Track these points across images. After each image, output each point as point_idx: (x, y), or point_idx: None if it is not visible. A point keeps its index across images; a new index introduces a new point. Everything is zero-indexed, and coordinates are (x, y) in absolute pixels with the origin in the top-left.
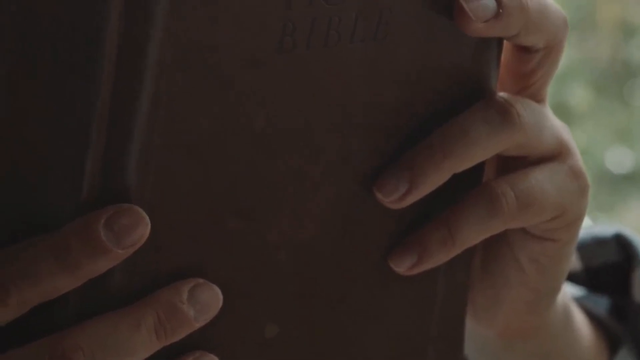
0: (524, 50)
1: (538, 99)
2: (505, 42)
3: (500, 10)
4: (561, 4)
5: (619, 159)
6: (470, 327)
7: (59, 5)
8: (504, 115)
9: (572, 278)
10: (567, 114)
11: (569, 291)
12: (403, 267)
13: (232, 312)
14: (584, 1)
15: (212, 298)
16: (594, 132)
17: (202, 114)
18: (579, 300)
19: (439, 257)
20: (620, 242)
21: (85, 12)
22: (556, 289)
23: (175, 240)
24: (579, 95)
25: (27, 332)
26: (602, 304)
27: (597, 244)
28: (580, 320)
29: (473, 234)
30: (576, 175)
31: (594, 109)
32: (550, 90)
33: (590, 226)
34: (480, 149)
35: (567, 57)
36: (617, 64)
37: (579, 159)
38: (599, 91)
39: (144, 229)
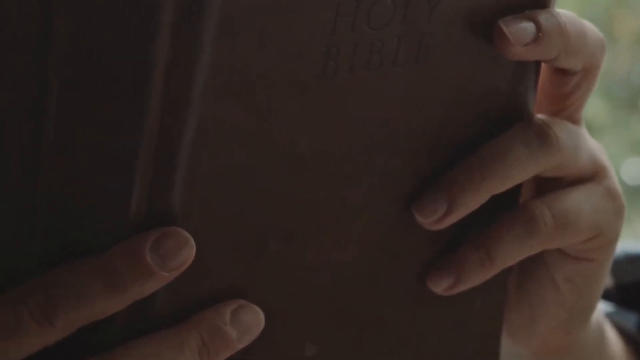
0: (562, 73)
1: (574, 120)
2: (543, 64)
3: (540, 34)
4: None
5: (635, 171)
6: (506, 346)
7: (109, 34)
8: (542, 137)
9: (604, 294)
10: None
11: (601, 307)
12: (441, 288)
13: (273, 332)
14: (601, 14)
15: (254, 319)
16: (610, 144)
17: (247, 140)
18: (609, 316)
19: (477, 278)
20: None
21: (134, 40)
22: (591, 308)
23: (219, 263)
24: (596, 108)
25: (73, 353)
26: (630, 319)
27: (629, 260)
28: (612, 337)
29: (511, 254)
30: (612, 196)
31: (610, 122)
32: None
33: (622, 243)
34: (518, 170)
35: None
36: (634, 77)
37: (615, 180)
38: (615, 104)
39: (189, 252)
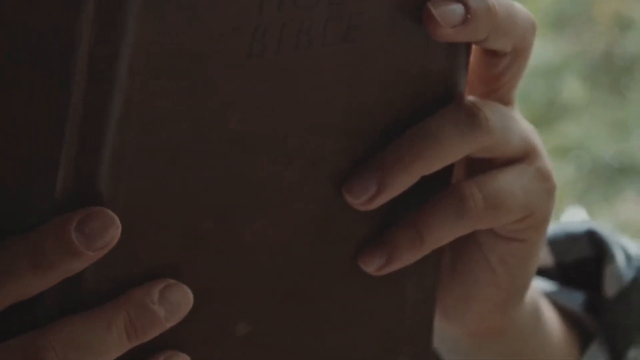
0: (492, 54)
1: (506, 101)
2: (473, 45)
3: (468, 16)
4: None
5: (614, 152)
6: (441, 327)
7: (32, 14)
8: (472, 118)
9: (544, 273)
10: (563, 108)
11: (541, 286)
12: (372, 267)
13: (204, 311)
14: None
15: (183, 298)
16: (590, 125)
17: (175, 119)
18: (551, 295)
19: (408, 258)
20: (592, 238)
21: (57, 20)
22: (524, 288)
23: (149, 242)
24: (575, 89)
25: (4, 332)
26: (577, 298)
27: (570, 240)
28: (550, 316)
29: (442, 234)
30: (543, 177)
31: (589, 103)
32: (546, 84)
33: (564, 222)
34: (448, 151)
35: (562, 50)
36: (613, 58)
37: (547, 161)
38: (595, 85)
39: (114, 232)
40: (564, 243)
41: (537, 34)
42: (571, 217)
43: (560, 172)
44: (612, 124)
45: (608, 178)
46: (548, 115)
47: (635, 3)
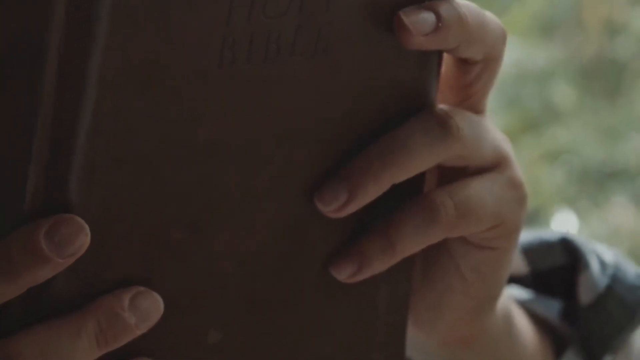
0: (463, 63)
1: (477, 110)
2: (444, 54)
3: (440, 24)
4: (547, 2)
5: (604, 157)
6: (413, 335)
7: (3, 19)
8: (443, 127)
9: (519, 281)
10: (553, 113)
11: (516, 294)
12: (344, 275)
13: (175, 319)
14: (570, 0)
15: (153, 305)
16: (580, 130)
17: (145, 128)
18: (525, 304)
19: (379, 265)
20: (566, 246)
21: (27, 28)
22: (496, 296)
23: (120, 250)
24: (565, 94)
25: None
26: (553, 306)
27: (544, 247)
28: (523, 324)
29: (412, 242)
30: (515, 185)
31: (579, 108)
32: (536, 89)
33: (537, 230)
34: (418, 160)
35: (553, 56)
36: (603, 63)
37: (518, 170)
38: (585, 89)
39: (83, 239)
40: (538, 251)
41: (527, 39)
42: (561, 222)
43: (551, 177)
44: (602, 129)
45: (598, 183)
46: (538, 120)
47: (626, 8)
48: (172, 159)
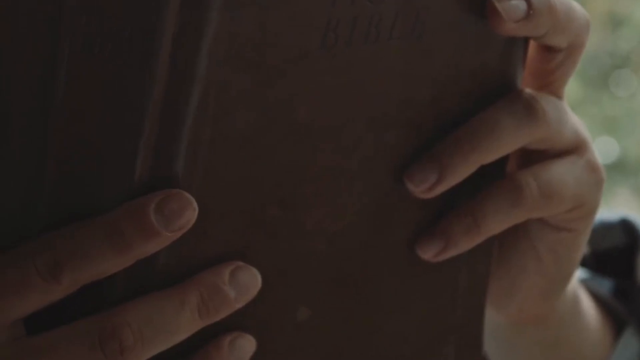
0: (547, 50)
1: (557, 96)
2: (530, 41)
3: (531, 12)
4: None
5: (605, 149)
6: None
7: (120, 2)
8: (530, 110)
9: (581, 261)
10: None
11: (576, 274)
12: (429, 254)
13: (267, 295)
14: None
15: (252, 280)
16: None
17: (249, 107)
18: (583, 282)
19: (464, 245)
20: (625, 226)
21: (145, 9)
22: (569, 277)
23: (219, 225)
24: (567, 86)
25: (76, 310)
26: (605, 285)
27: (604, 228)
28: (587, 304)
29: (497, 222)
30: (593, 168)
31: (581, 100)
32: None
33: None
34: (506, 141)
35: None
36: (604, 55)
37: (596, 154)
38: (586, 82)
39: (191, 214)
40: (598, 232)
41: None
42: None
43: None
44: (604, 121)
45: None
46: None
47: (628, 1)
48: (271, 137)
